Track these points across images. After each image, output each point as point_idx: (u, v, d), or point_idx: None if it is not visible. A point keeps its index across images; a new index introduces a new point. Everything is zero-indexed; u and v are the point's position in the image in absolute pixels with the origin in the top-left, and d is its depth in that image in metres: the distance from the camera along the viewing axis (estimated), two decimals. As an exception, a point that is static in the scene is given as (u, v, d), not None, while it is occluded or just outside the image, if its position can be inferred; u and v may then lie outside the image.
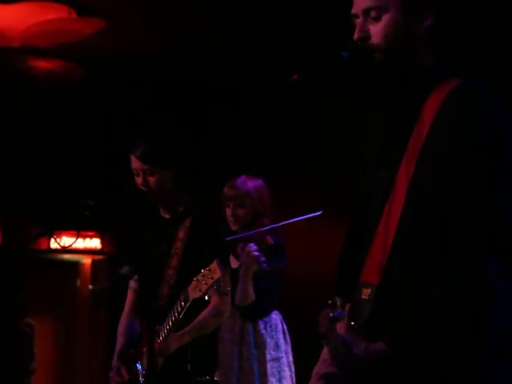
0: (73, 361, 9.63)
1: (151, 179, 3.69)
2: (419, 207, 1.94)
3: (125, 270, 3.46)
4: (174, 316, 3.48)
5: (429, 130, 1.98)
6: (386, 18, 2.05)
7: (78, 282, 9.77)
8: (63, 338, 9.78)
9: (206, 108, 7.85)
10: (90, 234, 8.91)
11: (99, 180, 7.65)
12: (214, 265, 3.30)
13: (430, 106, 2.01)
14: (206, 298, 3.33)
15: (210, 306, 3.51)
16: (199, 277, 3.33)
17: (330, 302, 1.97)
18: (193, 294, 3.37)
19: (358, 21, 2.10)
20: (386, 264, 1.96)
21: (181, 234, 3.72)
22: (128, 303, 3.95)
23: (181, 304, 3.44)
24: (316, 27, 6.62)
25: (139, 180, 3.72)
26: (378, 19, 2.06)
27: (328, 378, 1.97)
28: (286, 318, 4.52)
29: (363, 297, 1.97)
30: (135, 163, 3.71)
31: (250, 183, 4.44)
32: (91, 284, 9.63)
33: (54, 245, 8.75)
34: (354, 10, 2.12)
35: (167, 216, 3.81)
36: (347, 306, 1.98)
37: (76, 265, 9.74)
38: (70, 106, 8.10)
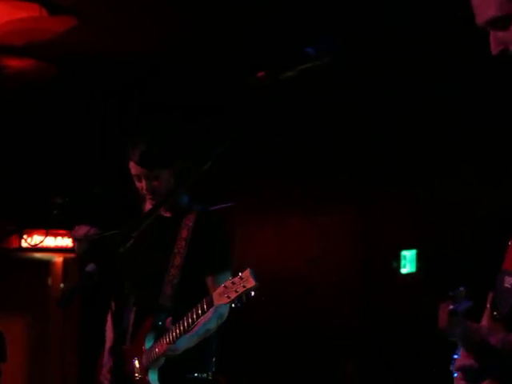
0: (45, 360, 9.59)
1: (155, 183, 3.55)
2: None
3: (91, 267, 3.41)
4: (191, 318, 3.37)
5: None
6: None
7: (50, 281, 9.72)
8: (35, 337, 9.74)
9: (189, 105, 7.85)
10: (62, 232, 8.88)
11: (70, 178, 7.65)
12: (247, 273, 3.16)
13: None
14: (233, 305, 3.21)
15: (213, 308, 3.40)
16: (228, 283, 3.20)
17: (451, 293, 1.75)
18: (219, 299, 3.24)
19: (490, 31, 1.91)
20: None
21: (184, 233, 3.61)
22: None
23: (203, 308, 3.33)
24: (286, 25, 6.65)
25: (141, 185, 3.58)
26: (506, 27, 1.88)
27: (465, 369, 1.84)
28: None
29: (506, 285, 1.85)
30: (136, 169, 3.56)
31: None
32: (63, 282, 9.58)
33: (25, 243, 8.71)
34: (478, 21, 1.93)
35: (168, 214, 3.69)
36: (490, 295, 1.85)
37: (48, 263, 9.71)
38: (42, 103, 8.08)
